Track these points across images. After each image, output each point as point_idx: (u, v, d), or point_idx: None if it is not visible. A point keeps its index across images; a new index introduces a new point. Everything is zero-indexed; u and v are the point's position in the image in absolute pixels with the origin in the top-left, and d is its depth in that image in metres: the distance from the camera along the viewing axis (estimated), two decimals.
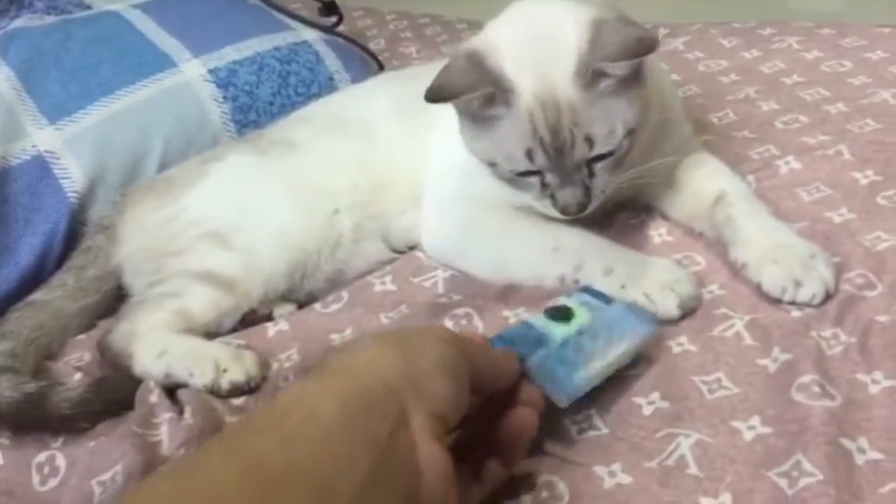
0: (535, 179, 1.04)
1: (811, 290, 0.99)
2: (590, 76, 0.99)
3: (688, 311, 1.01)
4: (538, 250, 1.11)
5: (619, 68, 0.99)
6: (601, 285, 1.03)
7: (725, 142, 1.33)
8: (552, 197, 1.04)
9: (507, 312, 1.08)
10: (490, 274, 1.14)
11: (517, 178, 1.05)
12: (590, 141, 1.00)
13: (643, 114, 1.04)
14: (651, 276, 1.02)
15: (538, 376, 0.87)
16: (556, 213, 1.06)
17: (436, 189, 1.24)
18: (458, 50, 1.07)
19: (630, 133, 1.02)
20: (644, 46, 0.98)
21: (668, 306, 1.00)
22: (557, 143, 1.00)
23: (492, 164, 1.06)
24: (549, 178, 1.03)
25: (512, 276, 1.12)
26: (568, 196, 1.03)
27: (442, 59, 1.78)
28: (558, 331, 0.92)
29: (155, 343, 1.09)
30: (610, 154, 1.02)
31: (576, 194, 1.03)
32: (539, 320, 0.94)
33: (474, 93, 1.00)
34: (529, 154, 1.02)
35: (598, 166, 1.03)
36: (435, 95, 1.01)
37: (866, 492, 0.78)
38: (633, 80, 1.01)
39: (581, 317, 0.95)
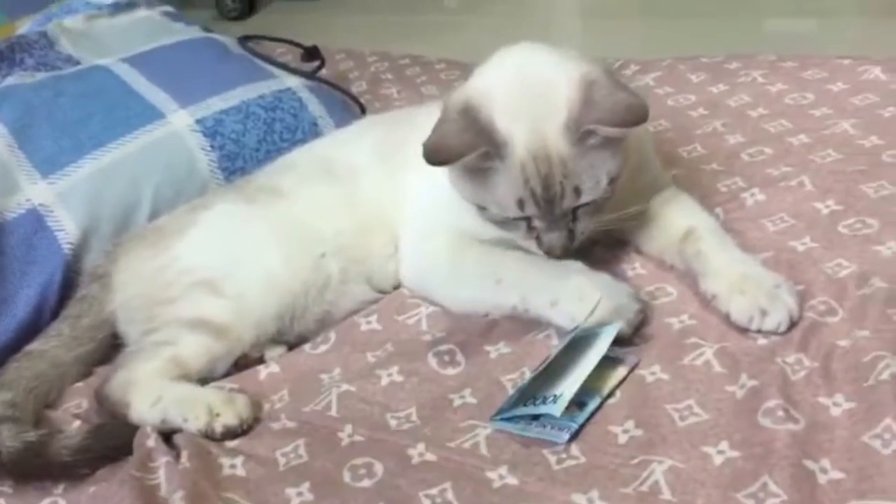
0: (522, 223, 1.11)
1: (776, 318, 1.04)
2: (580, 133, 1.05)
3: (637, 326, 1.08)
4: (484, 284, 1.17)
5: (610, 132, 1.05)
6: (549, 316, 1.10)
7: (694, 175, 1.39)
8: (538, 238, 1.11)
9: (488, 347, 1.13)
10: (454, 306, 1.20)
11: (505, 221, 1.11)
12: (578, 191, 1.07)
13: (624, 162, 1.10)
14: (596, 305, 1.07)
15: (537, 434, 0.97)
16: (539, 252, 1.12)
17: (411, 225, 1.29)
18: (450, 102, 1.11)
19: (612, 181, 1.08)
20: (635, 115, 1.04)
21: (619, 328, 1.05)
22: (548, 195, 1.06)
23: (482, 209, 1.12)
24: (537, 223, 1.10)
25: (471, 308, 1.18)
26: (553, 239, 1.10)
27: (422, 101, 1.87)
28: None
29: (150, 391, 1.12)
30: (594, 201, 1.08)
31: (561, 238, 1.10)
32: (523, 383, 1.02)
33: (471, 153, 1.05)
34: (520, 203, 1.07)
35: (581, 211, 1.10)
36: (433, 159, 1.06)
37: None
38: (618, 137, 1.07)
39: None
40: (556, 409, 0.96)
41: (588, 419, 0.98)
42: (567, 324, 1.07)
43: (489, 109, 1.07)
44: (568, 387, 0.98)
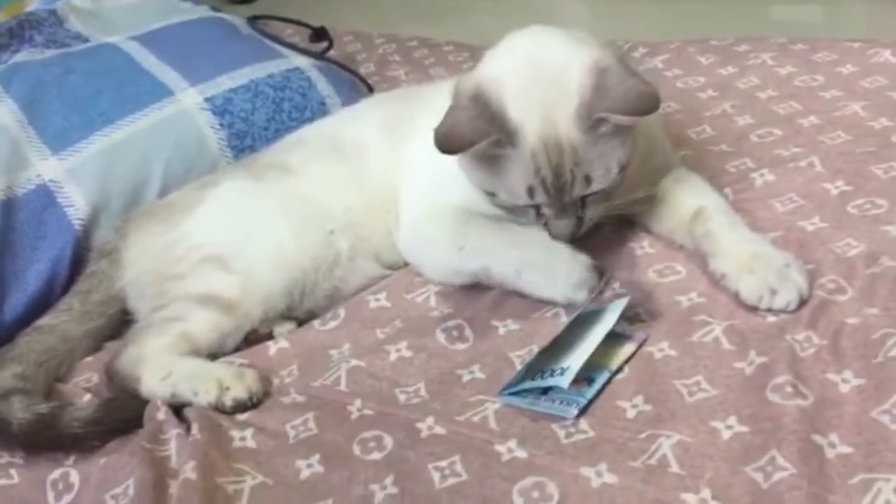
0: (531, 210, 1.11)
1: (786, 297, 1.04)
2: (591, 121, 1.04)
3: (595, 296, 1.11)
4: (449, 251, 1.18)
5: (621, 121, 1.04)
6: (513, 285, 1.14)
7: (703, 156, 1.39)
8: (546, 225, 1.11)
9: (496, 324, 1.13)
10: (434, 275, 1.22)
11: (514, 208, 1.11)
12: (588, 179, 1.07)
13: (632, 150, 1.09)
14: (560, 279, 1.11)
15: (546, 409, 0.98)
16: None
17: (410, 195, 1.29)
18: (461, 88, 1.10)
19: (622, 169, 1.08)
20: (647, 104, 1.03)
21: (626, 303, 1.06)
22: (559, 183, 1.06)
23: (491, 195, 1.11)
24: (546, 210, 1.10)
25: (444, 275, 1.20)
26: (562, 227, 1.10)
27: (429, 81, 1.86)
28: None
29: (160, 366, 1.13)
30: (603, 189, 1.08)
31: (569, 225, 1.10)
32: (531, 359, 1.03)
33: (483, 141, 1.04)
34: (530, 191, 1.07)
35: (590, 199, 1.10)
36: (446, 147, 1.05)
37: (837, 483, 0.83)
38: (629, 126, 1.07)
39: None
40: (564, 381, 0.96)
41: (597, 394, 0.99)
42: (534, 294, 1.12)
43: (500, 96, 1.07)
44: (575, 359, 0.98)
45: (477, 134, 1.05)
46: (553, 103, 1.05)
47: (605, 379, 1.00)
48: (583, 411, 0.97)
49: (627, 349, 1.04)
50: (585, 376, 0.99)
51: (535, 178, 1.06)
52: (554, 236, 1.11)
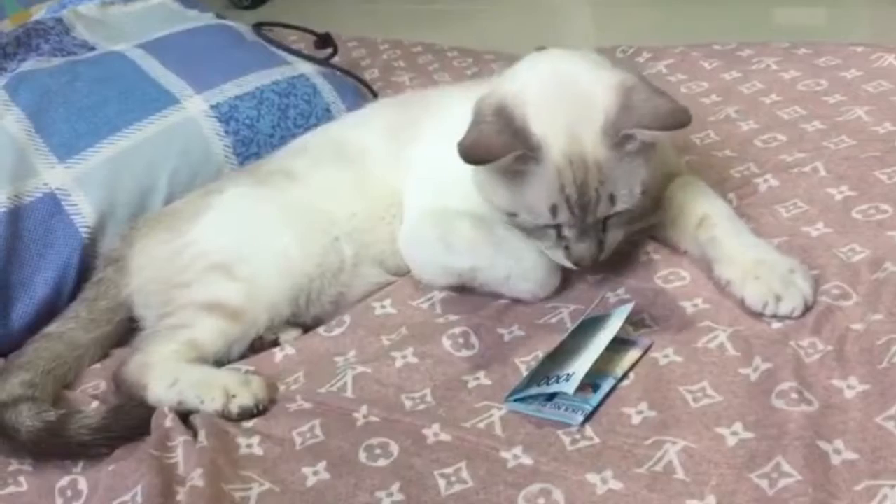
0: (552, 231, 1.09)
1: (791, 304, 1.04)
2: (618, 138, 1.04)
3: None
4: (438, 249, 1.19)
5: (649, 136, 1.04)
6: (496, 288, 1.16)
7: (707, 161, 1.39)
8: (566, 248, 1.09)
9: (502, 331, 1.14)
10: (424, 275, 1.23)
11: (535, 229, 1.10)
12: (612, 199, 1.06)
13: (655, 174, 1.09)
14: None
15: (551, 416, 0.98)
16: (568, 263, 1.11)
17: (411, 199, 1.29)
18: (483, 103, 1.09)
19: (644, 192, 1.08)
20: (678, 119, 1.03)
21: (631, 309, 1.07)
22: (583, 201, 1.05)
23: (512, 215, 1.10)
24: (568, 231, 1.08)
25: (424, 277, 1.23)
26: (583, 250, 1.08)
27: (434, 86, 1.87)
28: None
29: (167, 373, 1.14)
30: (626, 210, 1.07)
31: (591, 248, 1.08)
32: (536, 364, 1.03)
33: (509, 154, 1.03)
34: (553, 209, 1.06)
35: (612, 221, 1.09)
36: (471, 157, 1.04)
37: (842, 490, 0.83)
38: (651, 142, 1.07)
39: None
40: (570, 387, 0.96)
41: (602, 401, 0.99)
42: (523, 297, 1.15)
43: (523, 111, 1.06)
44: (580, 365, 0.99)
45: (503, 147, 1.03)
46: (578, 120, 1.05)
47: (611, 385, 1.00)
48: (588, 418, 0.97)
49: (632, 355, 1.04)
50: (590, 382, 1.00)
51: (560, 196, 1.05)
52: (575, 260, 1.09)
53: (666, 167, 1.25)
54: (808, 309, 1.05)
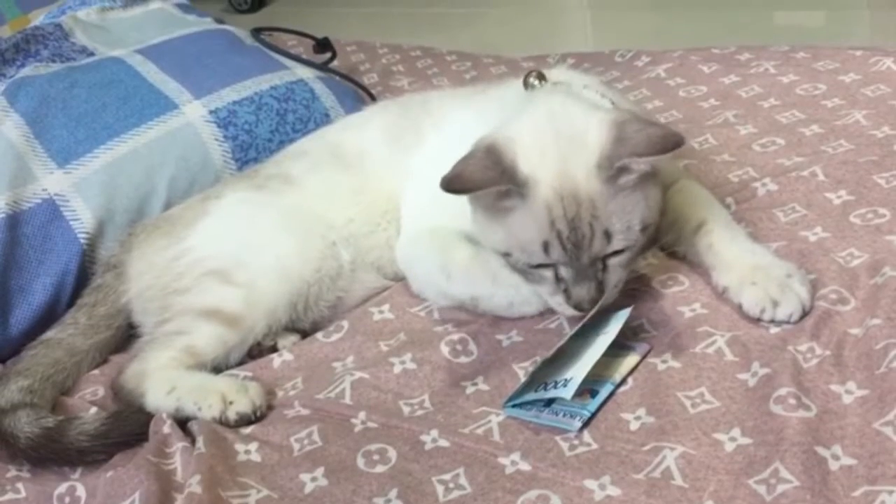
0: (549, 273, 1.06)
1: (788, 309, 1.04)
2: (613, 170, 1.02)
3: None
4: (438, 278, 1.19)
5: (644, 164, 1.01)
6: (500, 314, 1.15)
7: (706, 166, 1.39)
8: (566, 292, 1.06)
9: (500, 337, 1.14)
10: (430, 297, 1.22)
11: (531, 271, 1.07)
12: (608, 235, 1.03)
13: (658, 210, 1.07)
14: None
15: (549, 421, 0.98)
16: (569, 311, 1.07)
17: (409, 208, 1.29)
18: (477, 143, 1.08)
19: (645, 228, 1.05)
20: (670, 143, 1.01)
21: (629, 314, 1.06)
22: (576, 237, 1.03)
23: (506, 255, 1.08)
24: (564, 271, 1.05)
25: (422, 296, 1.22)
26: (582, 292, 1.04)
27: (434, 89, 1.87)
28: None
29: (164, 380, 1.14)
30: (625, 250, 1.04)
31: (590, 290, 1.04)
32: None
33: (490, 187, 1.03)
34: (546, 247, 1.04)
35: (613, 262, 1.05)
36: (451, 186, 1.03)
37: (840, 496, 0.83)
38: (651, 176, 1.05)
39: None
40: (567, 393, 0.96)
41: (600, 407, 0.99)
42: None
43: (513, 151, 1.05)
44: (578, 370, 0.99)
45: (484, 179, 1.03)
46: (570, 156, 1.03)
47: (609, 391, 1.00)
48: (586, 424, 0.97)
49: (631, 360, 1.04)
50: (589, 388, 1.00)
51: (551, 232, 1.03)
52: (574, 304, 1.05)
53: (666, 174, 1.25)
54: (805, 314, 1.05)
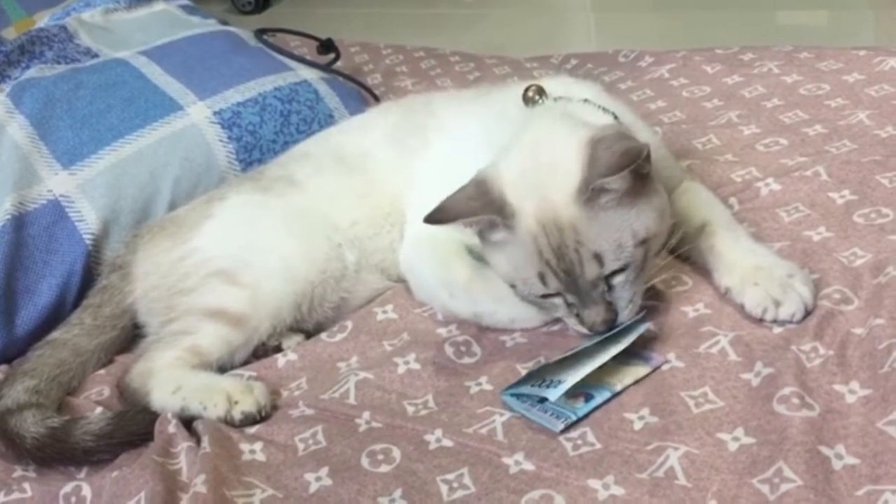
0: (558, 300, 1.06)
1: (790, 308, 1.04)
2: (589, 193, 1.01)
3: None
4: (440, 294, 1.19)
5: (615, 182, 1.00)
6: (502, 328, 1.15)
7: (709, 166, 1.39)
8: (578, 316, 1.05)
9: (504, 337, 1.14)
10: (436, 307, 1.22)
11: (541, 301, 1.07)
12: (599, 258, 1.01)
13: (660, 220, 1.05)
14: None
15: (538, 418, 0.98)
16: (585, 331, 1.06)
17: (413, 212, 1.28)
18: (474, 176, 1.08)
19: (644, 242, 1.03)
20: (630, 157, 0.99)
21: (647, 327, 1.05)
22: (565, 265, 1.02)
23: (513, 287, 1.08)
24: (570, 298, 1.05)
25: (439, 307, 1.21)
26: (593, 315, 1.03)
27: (437, 90, 1.87)
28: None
29: (170, 380, 1.14)
30: (625, 268, 1.03)
31: (599, 312, 1.03)
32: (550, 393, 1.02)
33: (471, 217, 1.04)
34: (542, 277, 1.04)
35: (617, 281, 1.04)
36: (433, 218, 1.05)
37: (843, 495, 0.84)
38: (639, 189, 1.03)
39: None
40: (553, 394, 0.97)
41: (591, 411, 0.98)
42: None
43: (501, 185, 1.05)
44: (572, 375, 0.98)
45: (467, 210, 1.04)
46: (550, 185, 1.03)
47: (605, 398, 1.00)
48: (569, 427, 0.97)
49: (639, 371, 1.03)
50: (586, 392, 1.00)
51: (541, 263, 1.03)
52: (588, 327, 1.04)
53: (668, 176, 1.25)
54: (808, 313, 1.05)
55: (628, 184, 1.01)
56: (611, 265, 1.02)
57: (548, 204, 1.03)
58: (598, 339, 1.04)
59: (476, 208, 1.04)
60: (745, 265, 1.09)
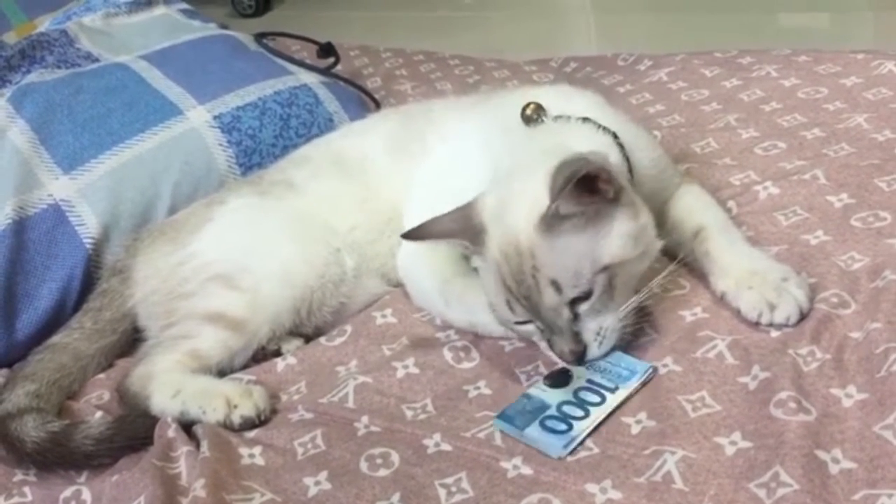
0: (531, 327, 1.05)
1: (785, 311, 1.05)
2: (549, 219, 1.00)
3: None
4: (436, 303, 1.20)
5: (565, 206, 0.98)
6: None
7: (707, 169, 1.39)
8: (549, 341, 1.04)
9: (503, 342, 1.14)
10: (434, 314, 1.22)
11: (516, 327, 1.07)
12: (556, 285, 1.00)
13: (630, 245, 1.02)
14: None
15: (534, 441, 0.96)
16: (557, 359, 1.05)
17: (410, 219, 1.27)
18: (473, 198, 1.09)
19: (605, 269, 1.00)
20: (566, 179, 0.97)
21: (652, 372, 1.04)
22: (523, 290, 1.01)
23: (494, 311, 1.09)
24: (539, 325, 1.04)
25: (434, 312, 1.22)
26: (560, 344, 1.02)
27: (436, 95, 1.88)
28: (556, 395, 1.02)
29: (169, 384, 1.15)
30: (587, 296, 1.00)
31: (567, 343, 1.01)
32: (537, 390, 1.03)
33: (444, 239, 1.07)
34: (509, 305, 1.04)
35: (581, 310, 1.01)
36: (410, 235, 1.08)
37: (840, 499, 0.84)
38: (605, 214, 1.01)
39: (580, 376, 1.04)
40: (555, 451, 0.95)
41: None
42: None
43: (482, 214, 1.06)
44: (583, 429, 0.97)
45: (441, 232, 1.07)
46: (514, 212, 1.03)
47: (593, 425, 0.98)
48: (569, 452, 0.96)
49: (631, 385, 1.02)
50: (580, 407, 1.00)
51: (505, 290, 1.03)
52: (558, 356, 1.03)
53: (667, 189, 1.25)
54: (803, 316, 1.05)
55: (581, 207, 0.99)
56: (569, 293, 0.99)
57: (510, 231, 1.03)
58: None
59: (452, 230, 1.07)
60: (740, 269, 1.09)
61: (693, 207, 1.21)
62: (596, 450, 0.94)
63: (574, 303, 1.00)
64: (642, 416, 0.97)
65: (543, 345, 1.06)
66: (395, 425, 1.04)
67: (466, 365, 1.12)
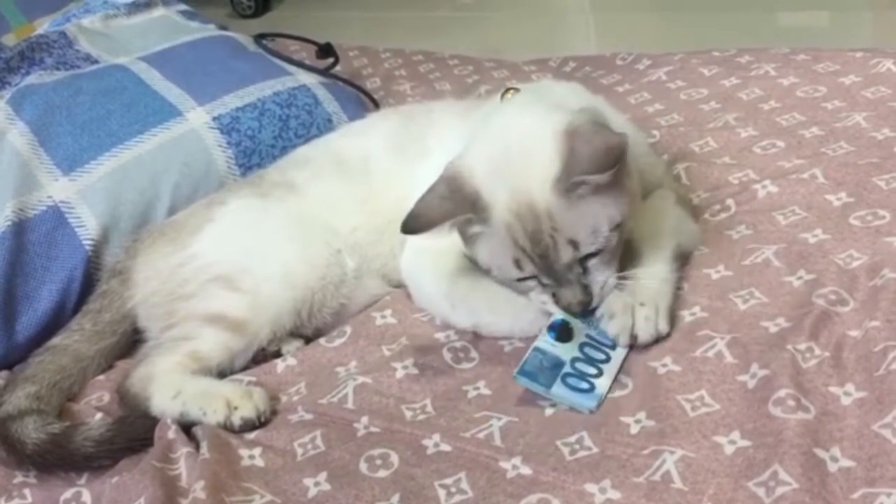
0: (533, 283, 1.08)
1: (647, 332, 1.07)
2: (569, 184, 1.02)
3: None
4: (441, 304, 1.19)
5: (598, 179, 1.02)
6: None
7: (706, 168, 1.40)
8: (554, 295, 1.07)
9: (502, 342, 1.14)
10: (436, 314, 1.22)
11: (516, 283, 1.09)
12: (574, 243, 1.04)
13: (633, 203, 1.07)
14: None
15: (564, 399, 1.01)
16: (556, 310, 1.08)
17: None
18: (444, 171, 1.10)
19: (618, 226, 1.05)
20: (614, 156, 1.01)
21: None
22: (540, 250, 1.04)
23: (488, 271, 1.11)
24: (545, 280, 1.07)
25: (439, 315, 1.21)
26: (568, 296, 1.06)
27: (435, 97, 1.88)
28: (565, 350, 1.05)
29: (170, 385, 1.15)
30: (599, 251, 1.05)
31: (575, 294, 1.06)
32: (546, 344, 1.05)
33: (447, 221, 1.06)
34: (517, 263, 1.06)
35: (591, 263, 1.06)
36: (410, 227, 1.07)
37: (839, 498, 0.84)
38: (616, 177, 1.04)
39: (579, 330, 1.07)
40: (594, 406, 1.01)
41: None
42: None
43: (472, 176, 1.07)
44: (603, 382, 1.03)
45: (442, 215, 1.06)
46: (524, 174, 1.05)
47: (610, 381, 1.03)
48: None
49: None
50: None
51: (517, 249, 1.05)
52: (563, 308, 1.07)
53: (650, 181, 1.24)
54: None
55: (610, 179, 1.03)
56: (586, 249, 1.05)
57: (523, 192, 1.04)
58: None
59: (451, 210, 1.06)
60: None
61: (651, 232, 1.17)
62: (595, 449, 0.95)
63: (586, 258, 1.05)
64: (641, 415, 0.97)
65: (544, 297, 1.09)
66: (395, 426, 1.04)
67: (466, 365, 1.12)
